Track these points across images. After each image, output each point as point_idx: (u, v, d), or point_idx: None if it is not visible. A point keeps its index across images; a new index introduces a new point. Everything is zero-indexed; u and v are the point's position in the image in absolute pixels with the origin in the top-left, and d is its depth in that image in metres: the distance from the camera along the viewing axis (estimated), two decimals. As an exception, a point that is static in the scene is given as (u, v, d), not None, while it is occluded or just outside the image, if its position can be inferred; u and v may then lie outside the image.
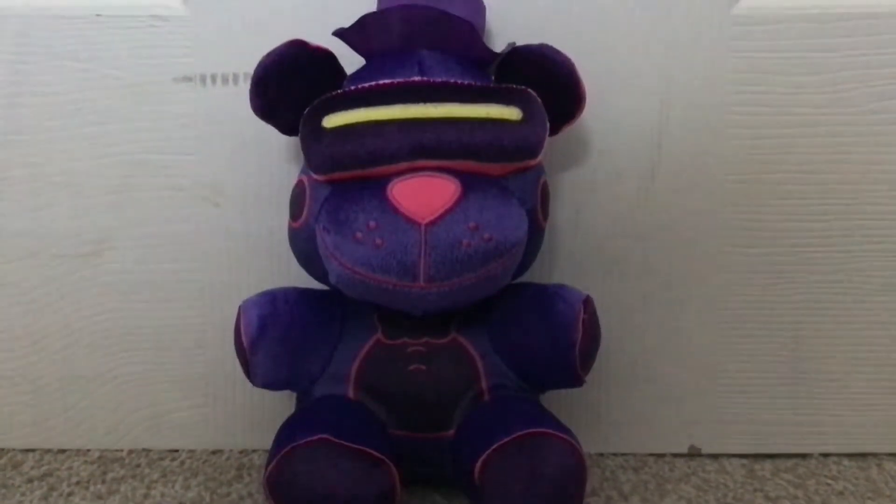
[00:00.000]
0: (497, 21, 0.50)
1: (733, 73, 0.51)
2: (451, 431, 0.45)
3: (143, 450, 0.55)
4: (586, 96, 0.46)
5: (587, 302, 0.45)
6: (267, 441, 0.43)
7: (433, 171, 0.41)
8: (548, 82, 0.44)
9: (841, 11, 0.51)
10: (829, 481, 0.52)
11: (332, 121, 0.42)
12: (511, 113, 0.42)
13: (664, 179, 0.52)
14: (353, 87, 0.42)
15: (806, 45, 0.51)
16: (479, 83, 0.43)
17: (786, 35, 0.51)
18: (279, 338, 0.45)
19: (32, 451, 0.55)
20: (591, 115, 0.49)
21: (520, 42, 0.45)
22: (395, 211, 0.39)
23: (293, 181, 0.46)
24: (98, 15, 0.51)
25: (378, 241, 0.39)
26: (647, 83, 0.51)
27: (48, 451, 0.55)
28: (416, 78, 0.42)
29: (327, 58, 0.44)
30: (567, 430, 0.42)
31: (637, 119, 0.52)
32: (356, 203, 0.40)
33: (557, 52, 0.45)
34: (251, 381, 0.46)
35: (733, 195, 0.53)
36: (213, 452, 0.55)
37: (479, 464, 0.40)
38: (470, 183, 0.40)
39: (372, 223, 0.39)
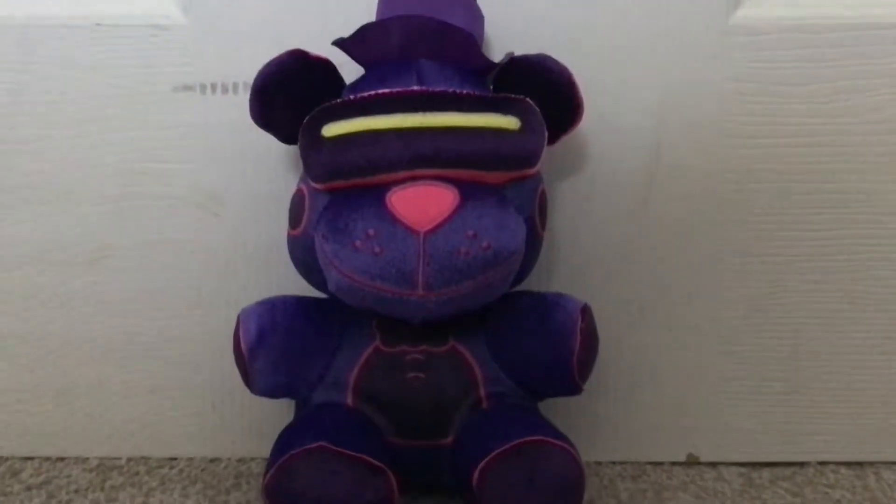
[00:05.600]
0: (495, 31, 0.50)
1: (731, 83, 0.51)
2: (450, 439, 0.45)
3: (142, 457, 0.55)
4: (584, 106, 0.46)
5: (585, 310, 0.45)
6: (265, 449, 0.43)
7: (432, 179, 0.41)
8: (546, 92, 0.44)
9: (839, 22, 0.51)
10: (827, 490, 0.52)
11: (331, 130, 0.42)
12: (509, 122, 0.42)
13: (662, 188, 0.52)
14: (352, 97, 0.42)
15: (803, 55, 0.51)
16: (477, 93, 0.43)
17: (783, 45, 0.51)
18: (278, 346, 0.45)
19: (31, 458, 0.55)
20: (590, 124, 0.49)
21: (518, 52, 0.46)
22: (394, 219, 0.39)
23: (292, 190, 0.46)
24: (98, 24, 0.51)
25: (377, 249, 0.39)
26: (645, 92, 0.52)
27: (47, 458, 0.55)
28: (415, 87, 0.42)
29: (327, 67, 0.44)
30: (565, 438, 0.42)
31: (635, 128, 0.52)
32: (355, 211, 0.40)
33: (555, 61, 0.45)
34: (250, 388, 0.46)
35: (732, 204, 0.53)
36: (212, 460, 0.55)
37: (477, 471, 0.40)
38: (468, 191, 0.40)
39: (371, 231, 0.39)
